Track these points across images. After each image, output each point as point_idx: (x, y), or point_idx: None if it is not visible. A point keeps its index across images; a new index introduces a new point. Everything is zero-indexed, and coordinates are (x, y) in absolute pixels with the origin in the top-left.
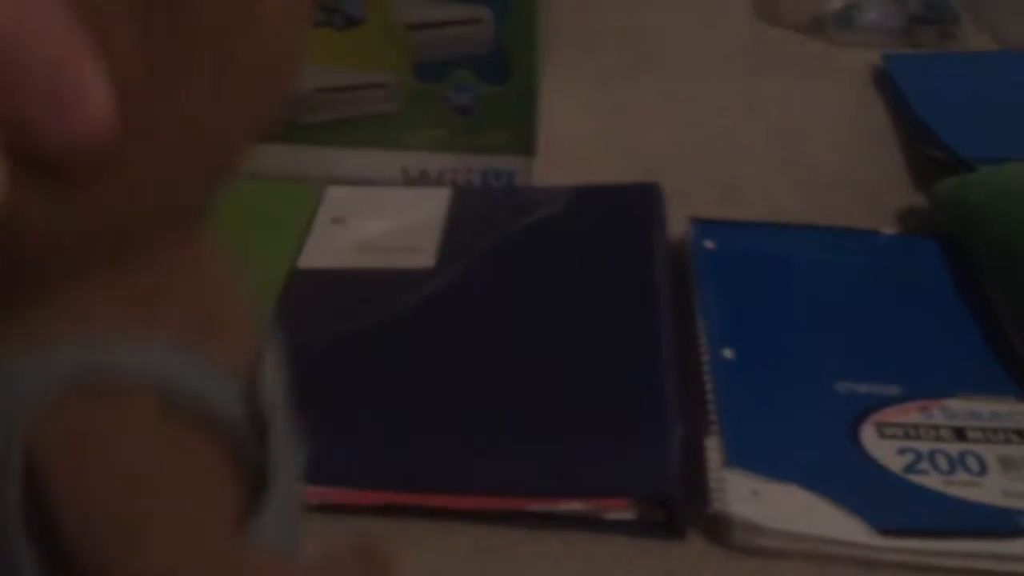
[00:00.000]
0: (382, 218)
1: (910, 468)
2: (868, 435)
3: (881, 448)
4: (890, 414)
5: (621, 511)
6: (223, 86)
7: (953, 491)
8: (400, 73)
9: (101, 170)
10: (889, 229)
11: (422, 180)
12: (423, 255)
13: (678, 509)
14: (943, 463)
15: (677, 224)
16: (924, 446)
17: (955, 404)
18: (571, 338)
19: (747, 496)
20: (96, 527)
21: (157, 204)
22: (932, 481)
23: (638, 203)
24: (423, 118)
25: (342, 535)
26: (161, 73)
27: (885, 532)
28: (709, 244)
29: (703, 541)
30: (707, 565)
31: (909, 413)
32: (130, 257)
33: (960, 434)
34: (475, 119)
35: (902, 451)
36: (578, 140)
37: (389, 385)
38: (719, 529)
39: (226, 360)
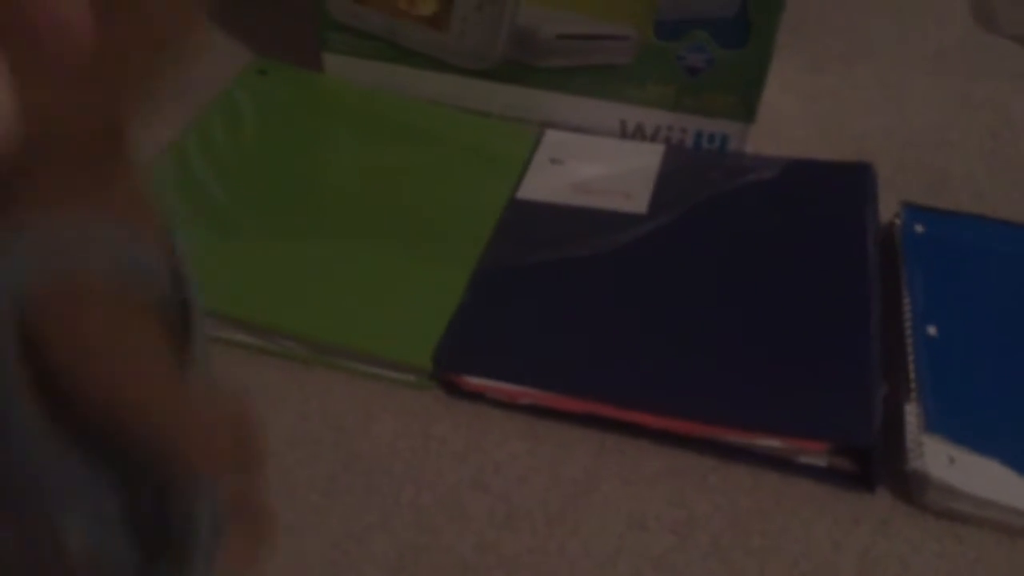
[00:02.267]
0: (598, 163)
1: None
2: None
3: None
4: None
5: (815, 456)
6: None
7: None
8: (641, 27)
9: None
10: None
11: (636, 133)
12: (636, 201)
13: (876, 461)
14: None
15: (885, 208)
16: None
17: None
18: (780, 292)
19: (944, 461)
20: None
21: (123, 95)
22: None
23: (852, 180)
24: (653, 74)
25: (549, 435)
26: None
27: None
28: (919, 228)
29: (892, 498)
30: (897, 520)
31: None
32: (99, 150)
33: None
34: (703, 80)
35: None
36: (789, 119)
37: (600, 309)
38: (911, 488)
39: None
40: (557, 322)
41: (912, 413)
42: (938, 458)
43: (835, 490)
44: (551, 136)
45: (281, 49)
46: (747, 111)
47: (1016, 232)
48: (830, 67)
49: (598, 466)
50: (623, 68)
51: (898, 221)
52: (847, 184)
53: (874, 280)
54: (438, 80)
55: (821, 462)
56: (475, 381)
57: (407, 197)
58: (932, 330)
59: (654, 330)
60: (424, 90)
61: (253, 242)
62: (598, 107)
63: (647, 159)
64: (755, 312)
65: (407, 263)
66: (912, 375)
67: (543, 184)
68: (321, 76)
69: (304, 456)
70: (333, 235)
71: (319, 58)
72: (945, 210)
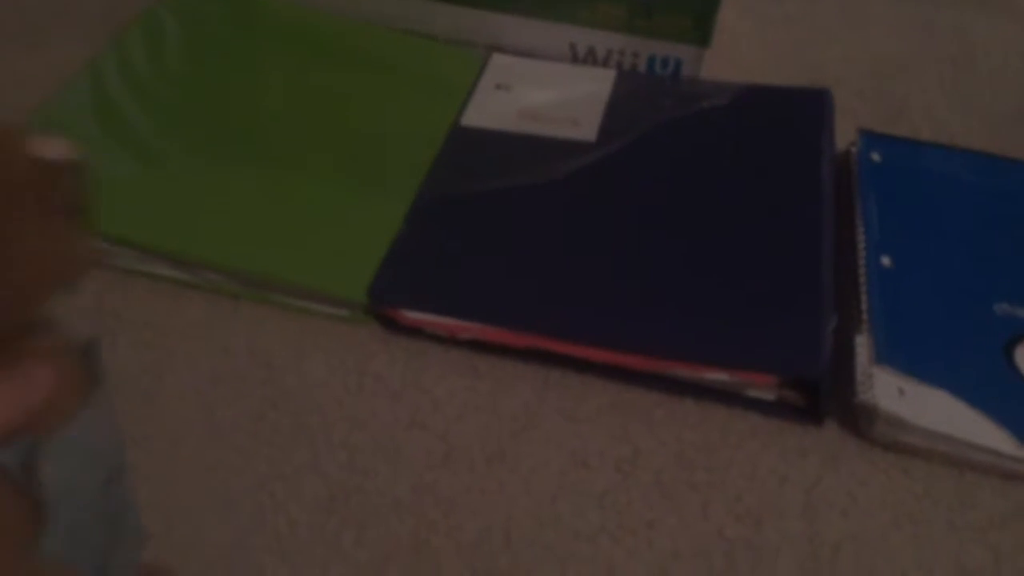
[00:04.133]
0: (545, 89)
1: None
2: (1022, 356)
3: None
4: None
5: (763, 389)
6: None
7: None
8: None
9: None
10: None
11: (587, 58)
12: (584, 128)
13: (824, 394)
14: None
15: (842, 136)
16: None
17: None
18: (730, 220)
19: (894, 393)
20: None
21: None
22: None
23: (808, 106)
24: None
25: (490, 371)
26: None
27: None
28: (875, 156)
29: (840, 431)
30: (843, 454)
31: None
32: None
33: None
34: (656, 2)
35: None
36: (747, 43)
37: (545, 240)
38: (859, 421)
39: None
40: (500, 253)
41: (862, 345)
42: (887, 390)
43: (783, 424)
44: (498, 60)
45: None
46: (702, 35)
47: (975, 160)
48: None
49: (540, 402)
50: None
51: (854, 149)
52: (803, 111)
53: (827, 210)
54: (379, 1)
55: (769, 395)
56: (413, 315)
57: (344, 124)
58: (886, 260)
59: (600, 261)
60: (365, 10)
61: (178, 171)
62: (547, 29)
63: (598, 85)
64: (704, 242)
65: (343, 193)
66: (864, 306)
67: (488, 110)
68: None
69: (229, 394)
70: (264, 164)
71: None
72: (903, 138)
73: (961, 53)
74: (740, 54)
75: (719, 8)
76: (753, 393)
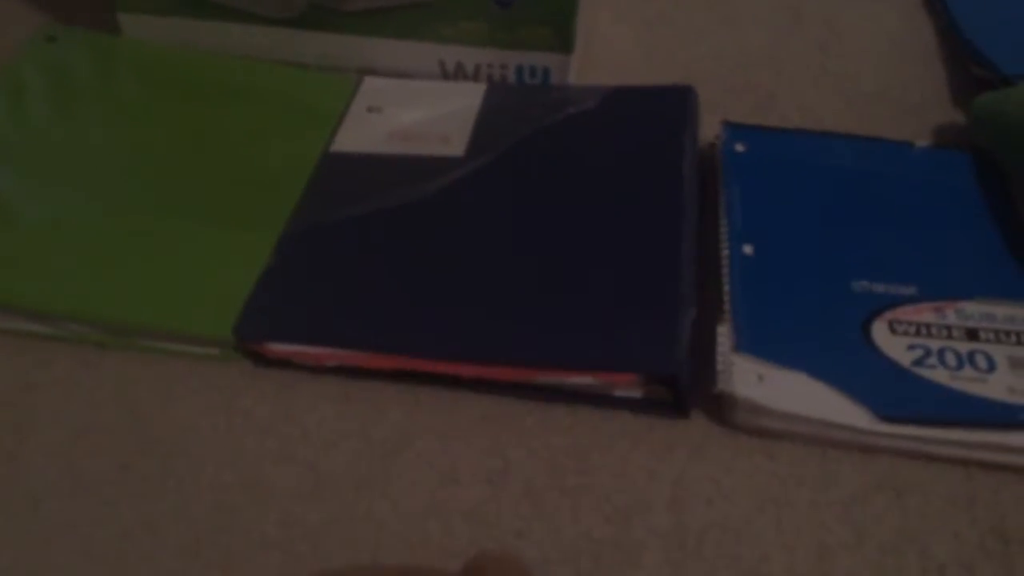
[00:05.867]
0: (416, 108)
1: (918, 363)
2: (880, 330)
3: (891, 343)
4: (903, 312)
5: (628, 388)
6: None
7: (959, 385)
8: None
9: None
10: (925, 142)
11: (458, 74)
12: (454, 144)
13: (683, 388)
14: (951, 360)
15: (711, 130)
16: (934, 343)
17: (970, 306)
18: (593, 226)
19: (753, 379)
20: None
21: None
22: (939, 376)
23: (672, 104)
24: (462, 10)
25: (361, 396)
26: None
27: (888, 419)
28: (740, 147)
29: (707, 422)
30: (709, 443)
31: (923, 312)
32: None
33: (972, 334)
34: (514, 13)
35: (912, 347)
36: (617, 48)
37: (408, 260)
38: (723, 410)
39: None
40: (364, 278)
41: (724, 334)
42: (746, 377)
43: (652, 420)
44: (369, 84)
45: (74, 12)
46: (563, 42)
47: (836, 143)
48: None
49: (411, 423)
50: (434, 6)
51: (718, 141)
52: (667, 109)
53: (687, 204)
54: (245, 32)
55: (636, 393)
56: (279, 348)
57: (212, 159)
58: (748, 249)
59: (464, 277)
60: (232, 45)
61: (35, 227)
62: (414, 49)
63: (468, 99)
64: (569, 249)
65: (210, 230)
66: (726, 296)
67: (359, 135)
68: (117, 39)
69: (95, 447)
70: (127, 209)
71: (115, 19)
72: (767, 127)
73: (829, 38)
74: (616, 58)
75: (576, 15)
76: (620, 392)
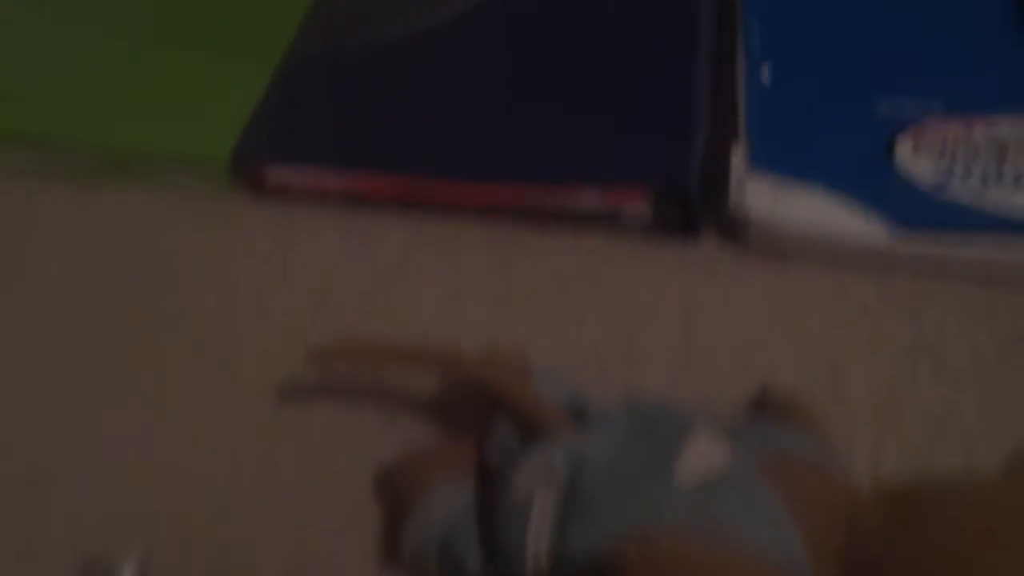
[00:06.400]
0: None
1: (942, 180)
2: (904, 147)
3: (915, 160)
4: (930, 129)
5: (638, 207)
6: None
7: (984, 203)
8: None
9: None
10: None
11: None
12: None
13: (694, 203)
14: (978, 177)
15: None
16: (960, 162)
17: (1003, 122)
18: (605, 46)
19: (767, 198)
20: None
21: None
22: (963, 193)
23: None
24: None
25: (359, 223)
26: None
27: (905, 234)
28: None
29: (719, 243)
30: (721, 264)
31: (950, 129)
32: None
33: (1002, 151)
34: None
35: (937, 164)
36: None
37: (418, 85)
38: (736, 230)
39: None
40: (366, 101)
41: (738, 154)
42: (760, 195)
43: (662, 244)
44: None
45: None
46: None
47: None
48: None
49: (415, 248)
50: None
51: None
52: None
53: (703, 22)
54: None
55: (646, 212)
56: (279, 172)
57: None
58: (766, 67)
59: (470, 99)
60: None
61: (31, 57)
62: None
63: None
64: (580, 70)
65: (208, 59)
66: (741, 114)
67: None
68: None
69: (93, 278)
70: (125, 38)
71: None
72: None
73: None
74: None
75: None
76: (630, 212)
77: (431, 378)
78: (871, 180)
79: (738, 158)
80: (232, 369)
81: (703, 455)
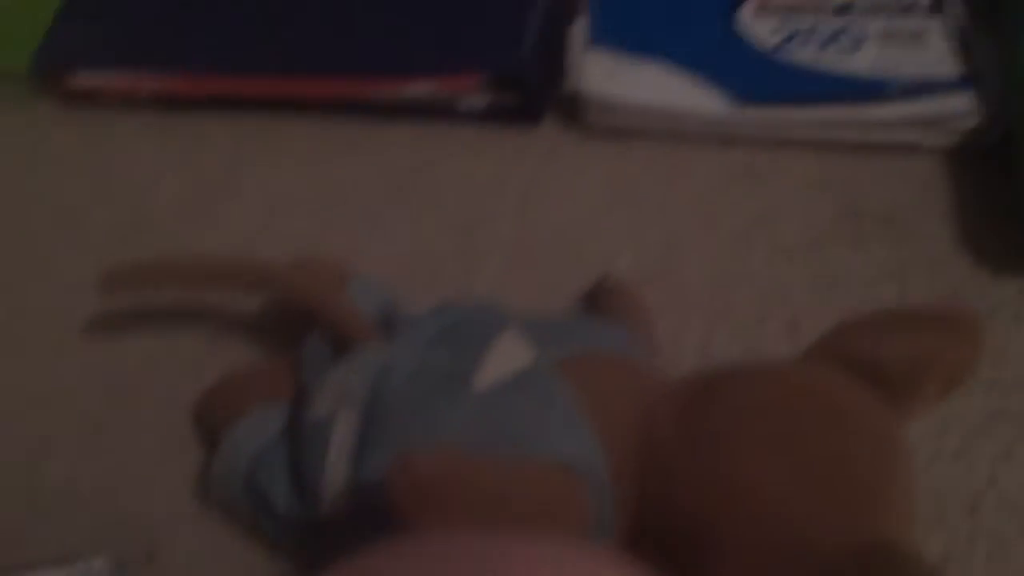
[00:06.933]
0: None
1: (783, 43)
2: (748, 12)
3: (758, 25)
4: None
5: (473, 95)
6: None
7: (824, 64)
8: None
9: None
10: None
11: None
12: None
13: (531, 88)
14: (819, 37)
15: None
16: (804, 23)
17: None
18: None
19: (604, 75)
20: None
21: None
22: (804, 55)
23: None
24: None
25: (177, 128)
26: None
27: (745, 104)
28: None
29: (560, 127)
30: (561, 148)
31: None
32: None
33: (845, 8)
34: None
35: (779, 27)
36: None
37: None
38: (576, 111)
39: None
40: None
41: (579, 29)
42: (597, 73)
43: (502, 130)
44: None
45: None
46: None
47: None
48: None
49: (238, 153)
50: None
51: None
52: None
53: None
54: None
55: (482, 102)
56: (87, 77)
57: None
58: None
59: None
60: None
61: None
62: None
63: None
64: None
65: None
66: None
67: None
68: None
69: None
70: None
71: None
72: None
73: None
74: None
75: None
76: (465, 102)
77: (252, 296)
78: (713, 48)
79: (577, 34)
80: (38, 302)
81: (504, 357)
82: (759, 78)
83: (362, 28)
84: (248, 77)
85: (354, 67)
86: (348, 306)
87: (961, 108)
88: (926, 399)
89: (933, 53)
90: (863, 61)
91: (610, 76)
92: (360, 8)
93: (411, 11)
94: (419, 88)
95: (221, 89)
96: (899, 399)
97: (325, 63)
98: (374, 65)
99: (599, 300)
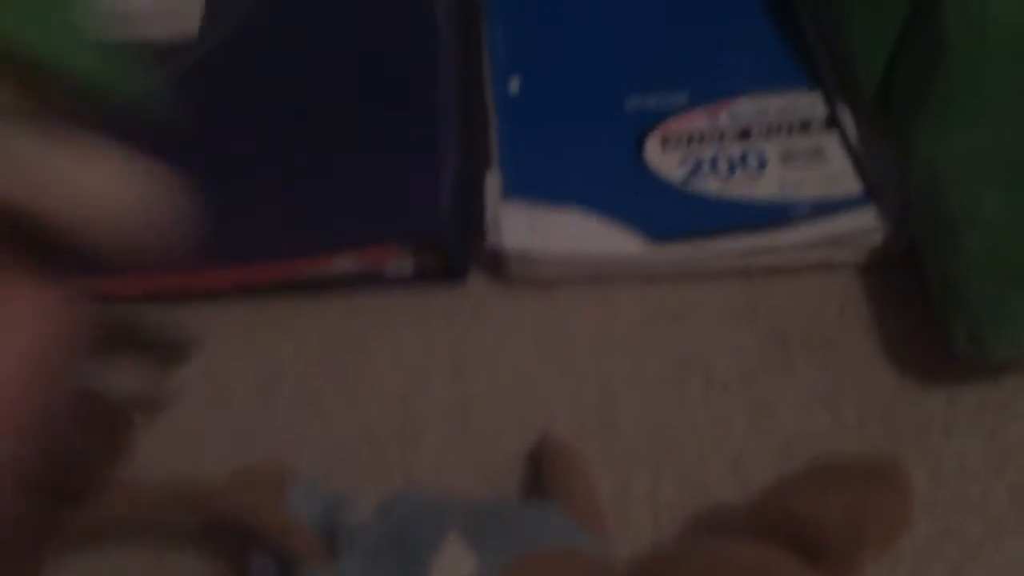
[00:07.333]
0: None
1: (690, 176)
2: (652, 148)
3: (664, 159)
4: (676, 123)
5: (398, 262)
6: None
7: (731, 193)
8: None
9: None
10: None
11: None
12: (185, 20)
13: (452, 250)
14: (724, 166)
15: None
16: (707, 152)
17: (743, 103)
18: (343, 92)
19: (522, 227)
20: None
21: None
22: (711, 186)
23: None
24: None
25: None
26: None
27: (660, 241)
28: None
29: (486, 280)
30: (489, 303)
31: (695, 120)
32: None
33: (745, 134)
34: None
35: (684, 160)
36: None
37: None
38: (498, 265)
39: None
40: None
41: (492, 182)
42: (516, 226)
43: (430, 290)
44: None
45: None
46: None
47: None
48: None
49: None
50: None
51: None
52: None
53: (444, 49)
54: None
55: (407, 266)
56: None
57: None
58: (514, 83)
59: (203, 176)
60: None
61: None
62: None
63: None
64: (318, 125)
65: None
66: (493, 138)
67: None
68: None
69: None
70: None
71: None
72: None
73: None
74: None
75: None
76: (392, 269)
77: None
78: (624, 187)
79: (492, 188)
80: None
81: (449, 568)
82: (671, 214)
83: (279, 211)
84: (170, 274)
85: (278, 251)
86: (289, 523)
87: (864, 225)
88: (864, 562)
89: (833, 170)
90: (768, 185)
91: (528, 228)
92: (275, 194)
93: (327, 188)
94: (345, 262)
95: (149, 287)
96: (841, 567)
97: (249, 252)
98: (298, 246)
99: (542, 467)
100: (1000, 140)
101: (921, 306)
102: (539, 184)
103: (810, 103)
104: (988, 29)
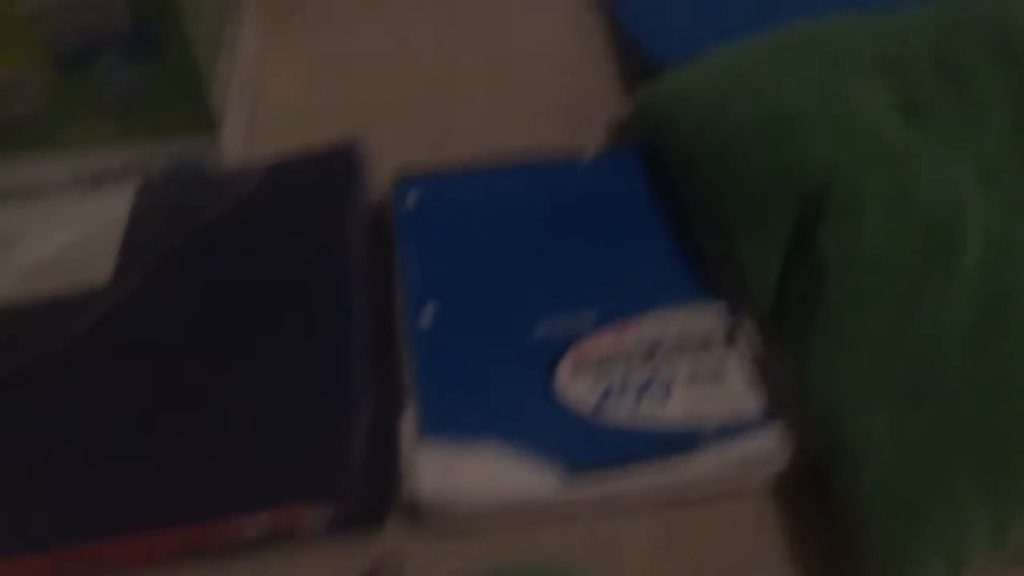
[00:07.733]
0: (54, 233)
1: (601, 402)
2: (563, 375)
3: (575, 386)
4: (586, 346)
5: (310, 516)
6: None
7: (640, 420)
8: (37, 66)
9: None
10: (599, 149)
11: (104, 179)
12: (97, 271)
13: (367, 503)
14: (632, 392)
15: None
16: (616, 376)
17: (649, 321)
18: (248, 344)
19: (439, 472)
20: None
21: None
22: (621, 413)
23: (336, 167)
24: (78, 112)
25: None
26: None
27: (575, 477)
28: (411, 200)
29: (404, 528)
30: (413, 553)
31: (604, 341)
32: None
33: (650, 354)
34: (139, 104)
35: (594, 386)
36: (288, 102)
37: (44, 428)
38: (416, 512)
39: None
40: None
41: (407, 423)
42: (432, 470)
43: (350, 543)
44: None
45: None
46: (206, 121)
47: (511, 173)
48: (333, 30)
49: None
50: (42, 115)
51: (389, 200)
52: (329, 177)
53: (353, 289)
54: None
55: (323, 519)
56: None
57: None
58: (427, 315)
59: (106, 441)
60: None
61: None
62: (41, 165)
63: (113, 209)
64: (219, 382)
65: None
66: (408, 375)
67: None
68: None
69: None
70: None
71: None
72: (438, 171)
73: (500, 62)
74: (283, 115)
75: (210, 87)
76: (306, 524)
77: None
78: (537, 419)
79: (408, 428)
80: None
81: None
82: (584, 447)
83: (180, 474)
84: (60, 549)
85: (180, 517)
86: None
87: (766, 447)
88: None
89: (733, 391)
90: (675, 409)
91: (444, 474)
92: (174, 456)
93: (228, 448)
94: (257, 523)
95: (35, 569)
96: None
97: (154, 518)
98: (207, 510)
99: None
100: (887, 363)
101: (835, 527)
102: (453, 420)
103: (712, 319)
104: (864, 251)
